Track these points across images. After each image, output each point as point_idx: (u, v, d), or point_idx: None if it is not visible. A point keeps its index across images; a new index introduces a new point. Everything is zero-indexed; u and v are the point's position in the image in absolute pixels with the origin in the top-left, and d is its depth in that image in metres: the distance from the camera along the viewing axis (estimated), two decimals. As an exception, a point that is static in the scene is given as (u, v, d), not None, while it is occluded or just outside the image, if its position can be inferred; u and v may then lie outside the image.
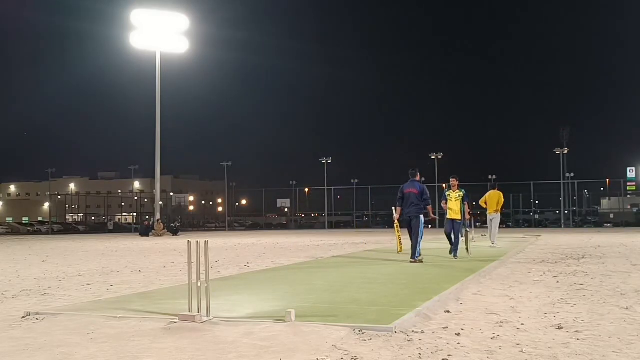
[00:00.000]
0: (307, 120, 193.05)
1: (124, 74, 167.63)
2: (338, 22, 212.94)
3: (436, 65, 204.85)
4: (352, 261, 12.17)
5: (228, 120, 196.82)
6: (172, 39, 39.71)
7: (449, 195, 12.22)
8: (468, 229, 12.58)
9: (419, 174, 11.31)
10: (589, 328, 4.91)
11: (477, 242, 19.15)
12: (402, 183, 11.45)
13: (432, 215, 11.61)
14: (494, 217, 16.87)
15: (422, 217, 11.12)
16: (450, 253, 11.93)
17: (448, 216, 12.09)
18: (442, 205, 12.37)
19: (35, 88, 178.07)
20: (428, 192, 11.20)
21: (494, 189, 17.40)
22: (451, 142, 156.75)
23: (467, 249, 12.43)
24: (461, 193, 12.16)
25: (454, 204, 12.04)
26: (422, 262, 10.77)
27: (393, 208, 11.97)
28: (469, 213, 12.55)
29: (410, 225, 11.21)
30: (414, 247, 10.92)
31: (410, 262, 10.75)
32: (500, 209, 16.99)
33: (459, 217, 11.98)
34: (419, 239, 11.00)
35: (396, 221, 12.75)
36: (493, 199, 16.89)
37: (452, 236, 11.97)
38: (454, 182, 12.38)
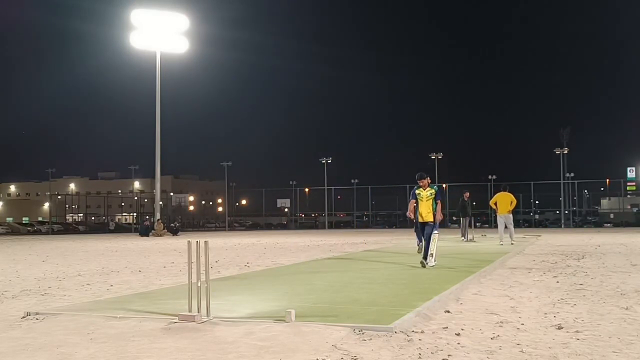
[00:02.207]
0: (307, 120, 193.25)
1: (124, 74, 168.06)
2: (338, 22, 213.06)
3: (436, 65, 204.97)
4: (352, 261, 12.19)
5: (228, 120, 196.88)
6: (172, 39, 39.73)
7: (419, 194, 10.46)
8: (436, 232, 10.36)
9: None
10: (589, 328, 4.91)
11: (478, 242, 19.25)
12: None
13: (440, 214, 11.49)
14: (507, 218, 17.58)
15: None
16: (424, 263, 10.17)
17: (419, 219, 10.51)
18: (409, 206, 10.69)
19: (35, 88, 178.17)
20: (439, 194, 11.31)
21: (504, 190, 17.75)
22: (451, 142, 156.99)
23: (432, 254, 10.17)
24: (433, 191, 10.44)
25: (424, 204, 10.40)
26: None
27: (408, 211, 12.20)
28: (440, 213, 10.46)
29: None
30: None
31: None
32: (511, 210, 17.76)
33: (430, 219, 10.34)
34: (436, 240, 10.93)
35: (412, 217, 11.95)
36: (504, 201, 17.48)
37: (423, 241, 10.51)
38: (423, 182, 10.50)
